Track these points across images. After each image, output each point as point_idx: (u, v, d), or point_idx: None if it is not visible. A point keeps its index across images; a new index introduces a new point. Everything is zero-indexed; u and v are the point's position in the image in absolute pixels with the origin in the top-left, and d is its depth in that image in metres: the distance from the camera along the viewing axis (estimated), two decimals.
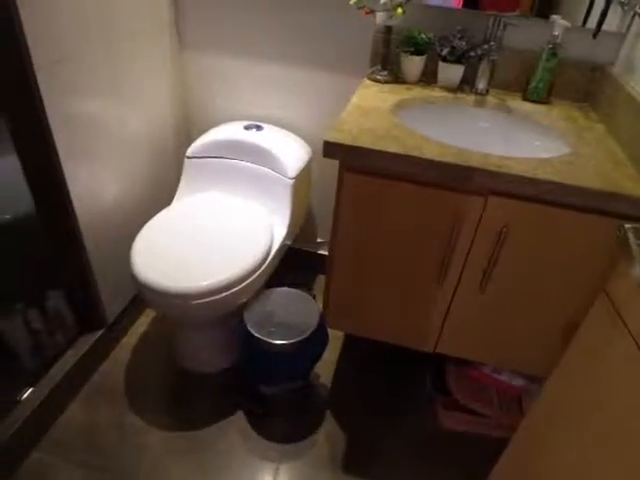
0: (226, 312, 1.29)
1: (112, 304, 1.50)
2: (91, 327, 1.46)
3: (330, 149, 0.97)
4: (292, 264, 1.65)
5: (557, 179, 0.91)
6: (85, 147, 1.27)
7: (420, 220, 1.04)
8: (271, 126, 1.61)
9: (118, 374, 1.49)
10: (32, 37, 1.01)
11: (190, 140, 1.60)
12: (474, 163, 0.93)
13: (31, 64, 1.03)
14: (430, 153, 0.95)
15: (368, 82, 1.32)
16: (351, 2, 1.24)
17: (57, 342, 1.42)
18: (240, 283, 1.25)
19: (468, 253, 1.06)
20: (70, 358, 1.39)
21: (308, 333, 1.28)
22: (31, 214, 1.32)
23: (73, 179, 1.23)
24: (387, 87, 1.29)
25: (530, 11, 1.26)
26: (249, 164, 1.51)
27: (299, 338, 1.26)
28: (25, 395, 1.27)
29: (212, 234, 1.36)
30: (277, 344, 1.25)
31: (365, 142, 0.97)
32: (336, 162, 1.01)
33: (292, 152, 1.53)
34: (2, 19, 0.97)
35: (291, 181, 1.46)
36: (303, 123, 1.62)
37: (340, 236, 1.12)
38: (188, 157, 1.53)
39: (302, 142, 1.61)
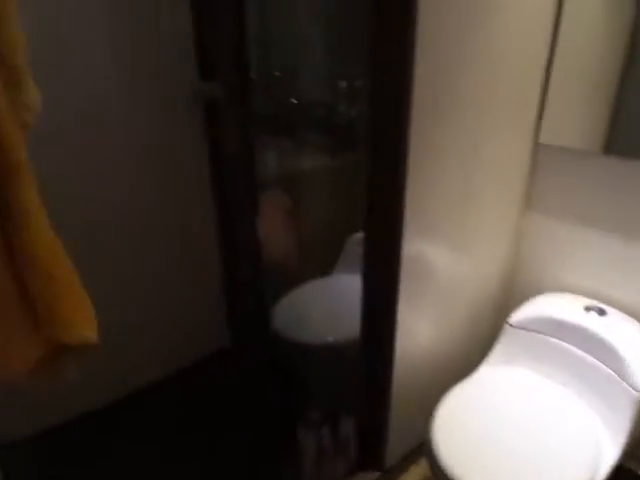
0: None
1: (394, 448, 1.48)
2: (370, 465, 1.46)
3: None
4: None
5: None
6: (418, 288, 1.30)
7: None
8: (616, 312, 1.37)
9: None
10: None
11: (511, 305, 1.50)
12: None
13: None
14: None
15: None
16: None
17: (337, 468, 1.47)
18: None
19: None
20: None
21: None
22: (353, 340, 1.42)
23: (401, 315, 1.26)
24: None
25: None
26: (584, 354, 1.30)
27: None
28: None
29: (525, 428, 1.19)
30: None
31: None
32: None
33: None
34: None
35: (638, 395, 1.18)
36: None
37: None
38: (510, 324, 1.43)
39: None
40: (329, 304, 1.71)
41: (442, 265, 1.35)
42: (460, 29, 1.06)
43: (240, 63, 1.40)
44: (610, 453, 1.18)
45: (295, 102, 2.05)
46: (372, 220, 1.19)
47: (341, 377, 1.58)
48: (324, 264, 1.91)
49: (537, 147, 1.45)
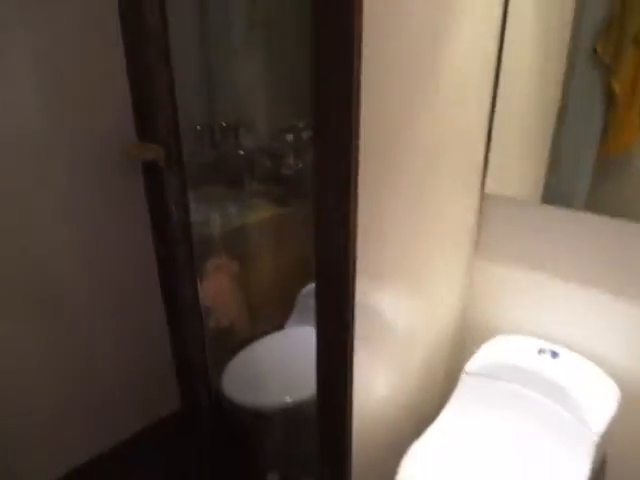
0: None
1: None
2: None
3: None
4: None
5: None
6: (373, 337, 1.26)
7: None
8: (569, 353, 1.38)
9: None
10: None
11: (464, 348, 1.49)
12: None
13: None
14: None
15: None
16: None
17: None
18: None
19: None
20: None
21: None
22: (309, 400, 1.36)
23: (358, 367, 1.20)
24: None
25: None
26: (541, 398, 1.29)
27: None
28: None
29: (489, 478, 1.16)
30: None
31: None
32: None
33: (600, 398, 1.25)
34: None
35: (597, 439, 1.17)
36: (614, 359, 1.34)
37: None
38: (467, 372, 1.41)
39: (610, 383, 1.32)
40: (283, 360, 1.64)
41: (397, 313, 1.33)
42: (407, 76, 1.07)
43: (175, 123, 1.37)
44: None
45: (242, 153, 2.05)
46: (322, 271, 1.16)
47: (299, 438, 1.50)
48: (277, 318, 1.85)
49: (483, 197, 1.49)
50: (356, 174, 1.02)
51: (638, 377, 1.32)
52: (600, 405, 1.24)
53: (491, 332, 1.55)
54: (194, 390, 1.59)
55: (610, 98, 1.25)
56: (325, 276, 1.16)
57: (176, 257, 1.39)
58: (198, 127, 1.98)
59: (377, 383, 1.33)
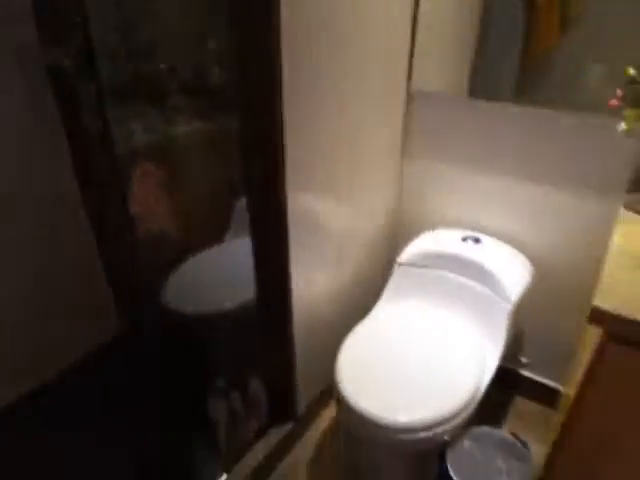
0: (427, 447, 1.18)
1: (304, 395, 1.51)
2: (283, 418, 1.48)
3: (598, 317, 0.82)
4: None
5: None
6: (310, 242, 1.32)
7: None
8: (489, 238, 1.49)
9: (299, 472, 1.47)
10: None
11: (399, 244, 1.57)
12: None
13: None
14: None
15: (630, 215, 1.12)
16: (619, 129, 1.08)
17: (251, 429, 1.46)
18: (450, 420, 1.12)
19: None
20: (261, 448, 1.41)
21: None
22: (250, 303, 1.41)
23: (294, 270, 1.27)
24: None
25: None
26: (464, 279, 1.41)
27: None
28: None
29: (419, 352, 1.27)
30: None
31: None
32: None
33: (514, 273, 1.38)
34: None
35: (511, 307, 1.31)
36: (527, 239, 1.47)
37: (587, 406, 0.92)
38: (399, 263, 1.50)
39: (524, 260, 1.45)
40: (224, 271, 1.67)
41: (330, 214, 1.37)
42: None
43: (85, 24, 1.26)
44: (492, 360, 1.30)
45: (164, 66, 1.92)
46: (253, 178, 1.17)
47: (245, 340, 1.56)
48: (216, 232, 1.86)
49: (410, 94, 1.51)
50: (280, 81, 1.00)
51: (546, 252, 1.46)
52: (515, 279, 1.37)
53: (422, 227, 1.64)
54: (135, 307, 1.60)
55: (531, 2, 1.30)
56: (257, 181, 1.16)
57: (97, 169, 1.33)
58: (115, 39, 1.83)
59: (316, 280, 1.40)
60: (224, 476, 1.33)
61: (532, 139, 1.37)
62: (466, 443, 1.21)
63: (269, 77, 0.99)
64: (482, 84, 1.43)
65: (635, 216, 1.11)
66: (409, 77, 1.49)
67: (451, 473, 1.13)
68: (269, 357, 1.41)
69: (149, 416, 1.53)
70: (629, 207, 1.14)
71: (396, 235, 1.73)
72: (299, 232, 1.24)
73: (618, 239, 1.02)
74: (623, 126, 1.11)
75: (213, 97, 1.86)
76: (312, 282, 1.38)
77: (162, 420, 1.52)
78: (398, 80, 1.47)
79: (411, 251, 1.50)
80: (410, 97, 1.52)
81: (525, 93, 1.38)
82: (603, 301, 0.82)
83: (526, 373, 1.69)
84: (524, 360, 1.67)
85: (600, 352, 0.86)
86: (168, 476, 1.42)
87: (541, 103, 1.33)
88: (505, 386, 1.71)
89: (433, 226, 1.63)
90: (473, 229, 1.54)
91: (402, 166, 1.63)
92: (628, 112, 1.11)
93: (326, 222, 1.35)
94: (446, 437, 1.18)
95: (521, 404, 1.70)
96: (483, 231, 1.52)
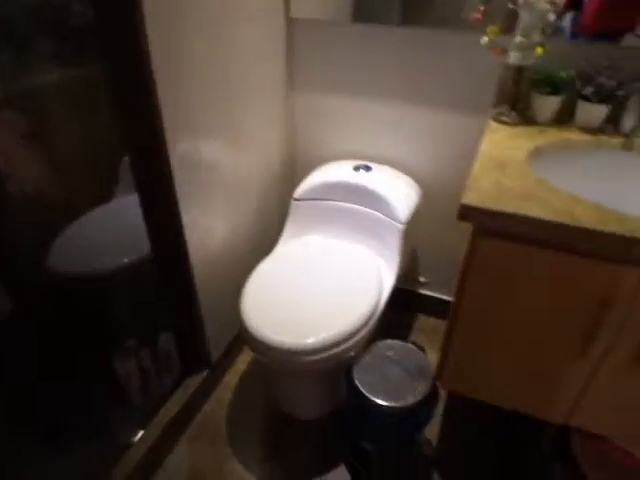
0: (336, 365, 1.23)
1: (216, 344, 1.51)
2: (197, 368, 1.47)
3: (466, 213, 0.88)
4: (391, 303, 1.56)
5: None
6: (200, 190, 1.28)
7: (563, 290, 0.91)
8: (380, 166, 1.54)
9: (219, 416, 1.49)
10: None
11: (295, 181, 1.58)
12: None
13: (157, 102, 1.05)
14: (586, 220, 0.83)
15: (495, 125, 1.20)
16: (482, 42, 1.15)
17: (165, 383, 1.44)
18: (353, 336, 1.19)
19: (622, 325, 0.90)
20: (177, 400, 1.40)
21: (420, 397, 1.18)
22: (147, 258, 1.35)
23: (188, 221, 1.23)
24: (517, 130, 1.17)
25: None
26: (358, 207, 1.45)
27: (411, 402, 1.17)
28: (137, 438, 1.29)
29: (321, 281, 1.31)
30: (387, 406, 1.16)
31: (506, 205, 0.86)
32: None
33: (403, 195, 1.45)
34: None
35: (402, 226, 1.38)
36: (414, 162, 1.54)
37: (466, 300, 1.01)
38: (295, 199, 1.51)
39: (412, 182, 1.52)
40: (116, 229, 1.58)
41: (218, 157, 1.32)
42: None
43: None
44: (389, 277, 1.38)
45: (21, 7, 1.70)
46: (130, 129, 1.09)
47: (149, 296, 1.51)
48: (104, 189, 1.74)
49: (290, 23, 1.46)
50: (142, 13, 0.93)
51: (430, 172, 1.54)
52: (403, 200, 1.43)
53: (317, 162, 1.65)
54: (17, 275, 1.48)
55: None
56: (134, 131, 1.09)
57: None
58: None
59: (212, 225, 1.36)
60: (140, 433, 1.31)
61: (416, 61, 1.38)
62: (370, 356, 1.28)
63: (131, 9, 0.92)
64: (366, 8, 1.40)
65: (499, 125, 1.20)
66: (287, 3, 1.44)
67: (357, 384, 1.19)
68: (173, 309, 1.38)
69: (55, 387, 1.46)
70: (494, 118, 1.23)
71: (293, 173, 1.73)
72: (186, 179, 1.19)
73: (484, 146, 1.09)
74: (485, 39, 1.18)
75: (79, 40, 1.68)
76: (208, 228, 1.34)
77: (70, 388, 1.45)
78: (277, 7, 1.42)
79: (305, 186, 1.51)
80: (291, 26, 1.48)
81: (409, 14, 1.38)
82: (469, 199, 0.89)
83: (425, 292, 1.81)
84: (422, 279, 1.78)
85: (472, 248, 0.94)
86: (83, 440, 1.36)
87: (424, 24, 1.34)
88: (408, 307, 1.84)
89: (328, 160, 1.64)
90: (365, 159, 1.58)
91: (291, 101, 1.60)
92: (490, 27, 1.17)
93: (215, 165, 1.31)
94: (352, 353, 1.24)
95: (424, 321, 1.83)
96: (374, 159, 1.57)
